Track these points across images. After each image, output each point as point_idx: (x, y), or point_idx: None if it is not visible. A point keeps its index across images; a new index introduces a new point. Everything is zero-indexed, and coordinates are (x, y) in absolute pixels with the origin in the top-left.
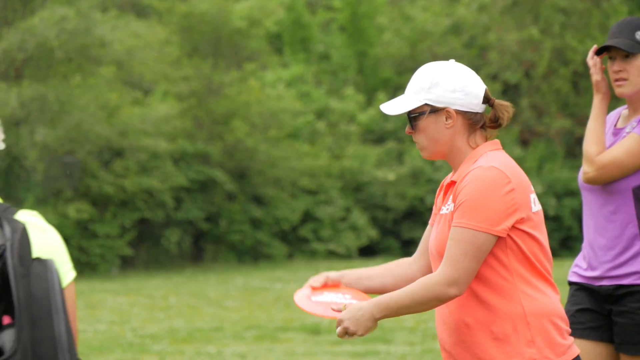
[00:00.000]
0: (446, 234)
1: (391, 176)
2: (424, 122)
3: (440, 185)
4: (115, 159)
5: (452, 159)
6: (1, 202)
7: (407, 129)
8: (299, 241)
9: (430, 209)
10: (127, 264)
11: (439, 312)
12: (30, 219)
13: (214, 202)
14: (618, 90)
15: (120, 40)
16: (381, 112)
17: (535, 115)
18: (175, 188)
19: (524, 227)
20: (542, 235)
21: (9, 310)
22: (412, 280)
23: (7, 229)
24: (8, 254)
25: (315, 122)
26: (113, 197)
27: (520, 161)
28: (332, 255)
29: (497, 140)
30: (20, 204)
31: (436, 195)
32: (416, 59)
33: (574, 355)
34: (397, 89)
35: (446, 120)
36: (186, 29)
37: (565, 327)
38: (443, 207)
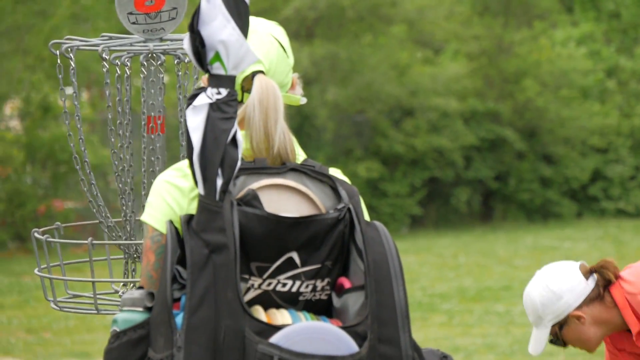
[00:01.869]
0: None
1: None
2: (567, 337)
3: (614, 351)
4: (405, 118)
5: (612, 328)
6: (307, 158)
7: (564, 351)
8: (589, 200)
9: None
10: (416, 223)
11: None
12: (341, 176)
13: (503, 161)
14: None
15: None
16: None
17: None
18: (465, 147)
19: None
20: None
21: (345, 272)
22: None
23: (343, 192)
24: (354, 218)
25: (605, 81)
26: (403, 156)
27: None
28: (621, 214)
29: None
30: None
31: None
32: None
33: None
34: None
35: (578, 320)
36: None
37: None
38: None
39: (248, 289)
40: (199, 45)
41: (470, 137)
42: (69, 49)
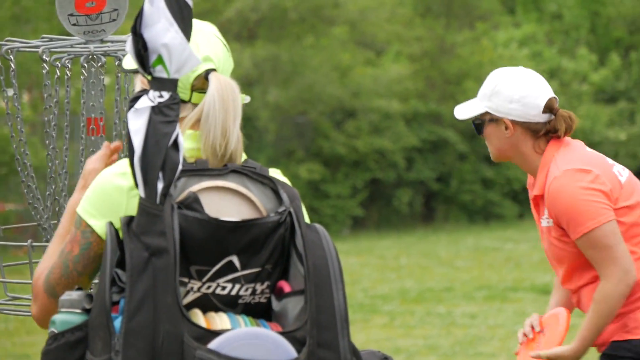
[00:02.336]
0: (557, 246)
1: (622, 136)
2: (487, 130)
3: (530, 194)
4: (347, 119)
5: (522, 164)
6: (247, 159)
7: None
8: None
9: None
10: (358, 225)
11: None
12: (281, 178)
13: (445, 162)
14: None
15: (354, 1)
16: (614, 71)
17: None
18: (407, 148)
19: (621, 203)
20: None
21: (285, 275)
22: None
23: (284, 195)
24: (295, 222)
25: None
26: (345, 158)
27: None
28: None
29: (563, 139)
30: None
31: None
32: None
33: None
34: (629, 49)
35: (505, 129)
36: None
37: None
38: (542, 220)
39: (187, 292)
40: (141, 48)
41: (412, 138)
42: (9, 51)
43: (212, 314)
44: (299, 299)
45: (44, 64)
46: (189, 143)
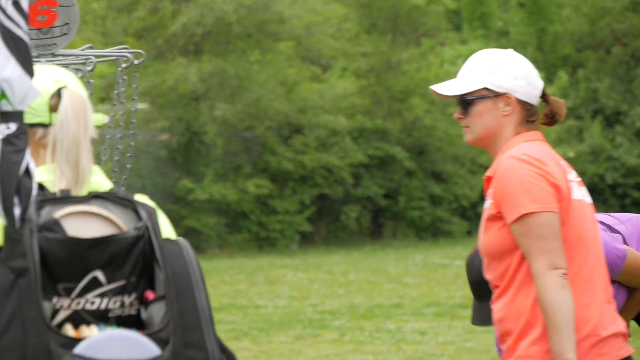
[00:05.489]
0: (486, 230)
1: (571, 153)
2: (481, 107)
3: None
4: (294, 135)
5: (494, 148)
6: (113, 188)
7: (457, 113)
8: (478, 218)
9: (611, 187)
10: (306, 240)
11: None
12: (148, 201)
13: (392, 178)
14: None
15: (299, 16)
16: (561, 89)
17: None
18: (354, 164)
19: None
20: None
21: (151, 286)
22: None
23: (143, 212)
24: (152, 235)
25: None
26: (292, 173)
27: None
28: None
29: (537, 132)
30: (200, 179)
31: None
32: (595, 36)
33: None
34: (576, 66)
35: (504, 107)
36: (364, 5)
37: None
38: (486, 202)
39: (58, 310)
40: None
41: (359, 154)
42: None
43: (82, 327)
44: (162, 304)
45: None
46: (51, 176)
